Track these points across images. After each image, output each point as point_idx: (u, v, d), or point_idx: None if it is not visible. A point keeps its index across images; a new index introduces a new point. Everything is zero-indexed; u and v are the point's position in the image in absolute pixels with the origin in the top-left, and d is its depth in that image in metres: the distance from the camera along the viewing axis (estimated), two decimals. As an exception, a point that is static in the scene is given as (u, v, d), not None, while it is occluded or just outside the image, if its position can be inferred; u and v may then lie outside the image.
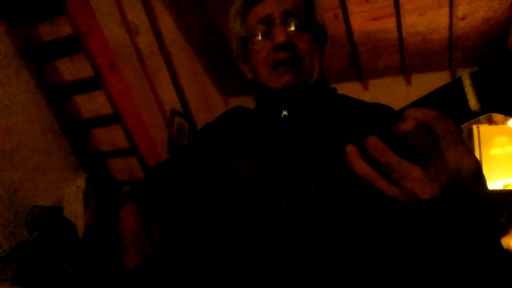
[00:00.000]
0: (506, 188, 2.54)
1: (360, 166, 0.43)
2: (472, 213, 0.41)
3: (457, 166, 0.39)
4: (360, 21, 2.98)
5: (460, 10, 2.76)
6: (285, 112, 0.76)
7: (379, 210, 0.58)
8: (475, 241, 0.43)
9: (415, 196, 0.39)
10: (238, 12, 0.80)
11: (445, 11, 2.79)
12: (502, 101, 0.37)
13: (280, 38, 0.72)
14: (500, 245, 0.47)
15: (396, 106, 0.57)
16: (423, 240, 0.46)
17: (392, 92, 3.37)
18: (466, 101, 0.38)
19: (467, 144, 0.40)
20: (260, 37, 0.76)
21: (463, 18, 2.82)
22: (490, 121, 2.70)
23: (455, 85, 0.39)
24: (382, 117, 0.63)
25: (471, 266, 0.44)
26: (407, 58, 3.21)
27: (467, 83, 0.38)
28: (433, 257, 0.46)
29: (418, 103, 0.43)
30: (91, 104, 2.24)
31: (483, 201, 0.41)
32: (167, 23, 3.18)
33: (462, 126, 0.42)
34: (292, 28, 0.74)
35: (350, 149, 0.44)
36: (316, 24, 0.79)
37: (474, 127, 2.72)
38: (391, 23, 2.96)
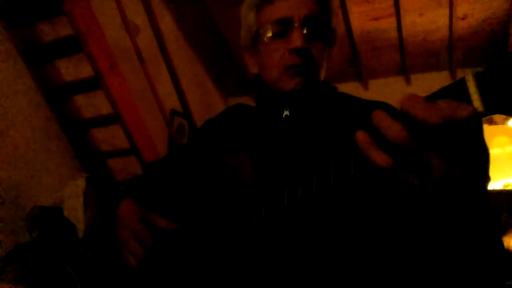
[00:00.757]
0: (506, 188, 2.54)
1: (379, 156, 0.40)
2: (479, 197, 0.44)
3: (471, 150, 0.40)
4: (360, 21, 2.98)
5: (460, 10, 2.76)
6: (286, 112, 0.76)
7: (381, 208, 0.58)
8: (481, 224, 0.45)
9: (432, 181, 0.40)
10: (255, 4, 0.79)
11: (445, 11, 2.79)
12: (506, 102, 0.37)
13: (298, 42, 0.72)
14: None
15: (396, 106, 0.57)
16: (427, 228, 0.47)
17: (392, 92, 3.37)
18: (470, 102, 0.38)
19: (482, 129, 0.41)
20: (275, 37, 0.75)
21: (463, 18, 2.82)
22: (490, 121, 2.70)
23: (459, 86, 0.39)
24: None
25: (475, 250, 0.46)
26: (407, 58, 3.20)
27: (471, 84, 0.38)
28: (436, 250, 0.47)
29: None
30: (91, 104, 2.24)
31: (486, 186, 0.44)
32: (167, 23, 3.18)
33: None
34: (309, 34, 0.74)
35: (362, 137, 0.42)
36: (330, 31, 0.79)
37: (474, 127, 2.71)
38: (391, 23, 2.96)
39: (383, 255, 0.59)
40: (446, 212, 0.44)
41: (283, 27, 0.74)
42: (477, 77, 0.38)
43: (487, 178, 0.45)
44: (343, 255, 0.60)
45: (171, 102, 2.79)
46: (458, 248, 0.46)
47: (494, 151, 2.66)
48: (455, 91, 0.39)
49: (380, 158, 0.40)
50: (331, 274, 0.60)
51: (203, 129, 0.93)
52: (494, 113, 0.38)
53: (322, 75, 0.79)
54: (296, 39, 0.72)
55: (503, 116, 2.42)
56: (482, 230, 0.46)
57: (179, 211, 0.79)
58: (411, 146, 0.39)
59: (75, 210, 1.86)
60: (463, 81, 0.39)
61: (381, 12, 2.90)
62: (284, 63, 0.74)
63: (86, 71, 1.95)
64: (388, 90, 3.42)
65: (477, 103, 0.38)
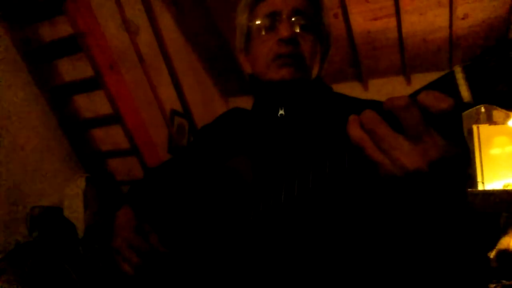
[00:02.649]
0: (506, 188, 2.53)
1: (356, 131, 0.44)
2: (454, 190, 0.44)
3: (445, 144, 0.40)
4: (360, 21, 2.98)
5: (460, 10, 2.76)
6: (281, 111, 0.77)
7: (375, 202, 0.59)
8: (454, 215, 0.47)
9: (402, 165, 0.41)
10: (247, 5, 0.81)
11: (445, 11, 2.79)
12: (493, 92, 0.38)
13: (285, 32, 0.73)
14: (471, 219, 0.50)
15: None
16: (406, 213, 0.49)
17: (392, 92, 3.37)
18: (458, 93, 0.40)
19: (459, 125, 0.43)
20: (265, 31, 0.77)
21: (463, 18, 2.82)
22: (490, 121, 2.70)
23: (448, 78, 0.41)
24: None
25: (447, 238, 0.48)
26: (407, 58, 3.21)
27: (459, 76, 0.40)
28: (417, 234, 0.49)
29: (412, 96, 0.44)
30: (91, 104, 2.24)
31: (465, 181, 0.45)
32: (167, 23, 3.18)
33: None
34: (297, 26, 0.76)
35: (352, 118, 0.46)
36: (321, 27, 0.80)
37: (474, 127, 2.71)
38: (391, 23, 2.96)
39: (379, 247, 0.60)
40: (429, 208, 0.46)
41: (272, 20, 0.76)
42: (466, 69, 0.40)
43: (465, 176, 0.46)
44: (339, 248, 0.61)
45: (171, 102, 2.79)
46: (440, 242, 0.48)
47: (494, 151, 2.66)
48: (445, 83, 0.41)
49: (354, 131, 0.44)
50: (328, 267, 0.60)
51: (200, 134, 0.94)
52: (482, 103, 0.40)
53: (314, 70, 0.79)
54: (284, 29, 0.74)
55: (503, 116, 2.42)
56: (460, 229, 0.47)
57: (180, 212, 0.79)
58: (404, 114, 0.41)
59: (75, 210, 1.87)
60: (452, 73, 0.41)
61: (381, 12, 2.90)
62: (272, 53, 0.76)
63: (86, 71, 1.95)
64: (388, 90, 3.42)
65: (465, 93, 0.39)
